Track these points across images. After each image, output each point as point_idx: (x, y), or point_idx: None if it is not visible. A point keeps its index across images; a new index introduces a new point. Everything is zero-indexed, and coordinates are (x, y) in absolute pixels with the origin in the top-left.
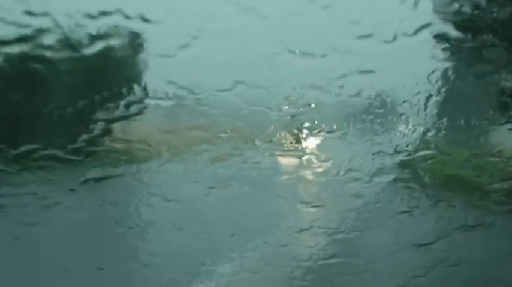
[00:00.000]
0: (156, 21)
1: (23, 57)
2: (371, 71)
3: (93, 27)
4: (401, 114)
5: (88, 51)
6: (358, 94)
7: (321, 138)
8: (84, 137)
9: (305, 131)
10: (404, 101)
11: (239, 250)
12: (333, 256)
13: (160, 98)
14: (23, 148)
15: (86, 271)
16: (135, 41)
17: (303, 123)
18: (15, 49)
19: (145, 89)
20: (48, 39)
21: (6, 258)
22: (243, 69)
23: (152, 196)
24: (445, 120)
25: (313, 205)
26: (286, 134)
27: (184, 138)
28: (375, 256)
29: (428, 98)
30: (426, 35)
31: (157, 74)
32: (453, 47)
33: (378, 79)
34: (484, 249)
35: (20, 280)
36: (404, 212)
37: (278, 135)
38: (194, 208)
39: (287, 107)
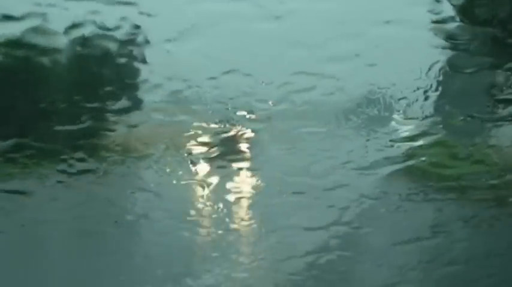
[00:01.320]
0: (151, 13)
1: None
2: (370, 62)
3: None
4: (398, 110)
5: (77, 41)
6: (355, 84)
7: (315, 131)
8: (76, 131)
9: (300, 124)
10: (401, 97)
11: (234, 245)
12: (328, 250)
13: (153, 90)
14: (13, 141)
15: (77, 265)
16: (128, 32)
17: (297, 117)
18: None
19: (137, 81)
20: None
21: None
22: (237, 60)
23: (144, 191)
24: (443, 114)
25: (310, 199)
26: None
27: (177, 131)
28: (371, 249)
29: (426, 90)
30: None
31: (151, 66)
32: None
33: (375, 68)
34: (483, 244)
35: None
36: (402, 206)
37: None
38: (189, 203)
39: (280, 99)
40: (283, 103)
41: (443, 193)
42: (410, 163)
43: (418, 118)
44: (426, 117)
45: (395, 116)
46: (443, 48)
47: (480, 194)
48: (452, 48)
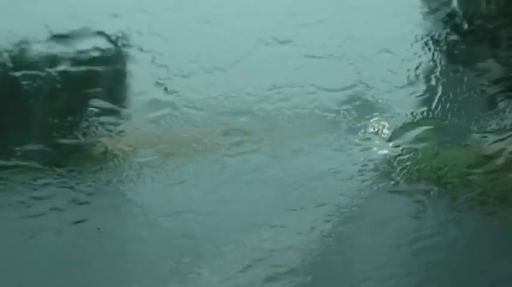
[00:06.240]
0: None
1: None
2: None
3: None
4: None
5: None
6: (346, 84)
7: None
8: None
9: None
10: (388, 98)
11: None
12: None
13: (152, 96)
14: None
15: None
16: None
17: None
18: None
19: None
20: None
21: None
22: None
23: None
24: (432, 114)
25: (311, 202)
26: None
27: (170, 137)
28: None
29: (416, 91)
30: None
31: (144, 71)
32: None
33: (361, 67)
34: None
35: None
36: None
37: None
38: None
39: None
40: (264, 103)
41: (430, 191)
42: (397, 163)
43: (407, 119)
44: (416, 117)
45: (380, 117)
46: (435, 45)
47: (473, 194)
48: (445, 46)
